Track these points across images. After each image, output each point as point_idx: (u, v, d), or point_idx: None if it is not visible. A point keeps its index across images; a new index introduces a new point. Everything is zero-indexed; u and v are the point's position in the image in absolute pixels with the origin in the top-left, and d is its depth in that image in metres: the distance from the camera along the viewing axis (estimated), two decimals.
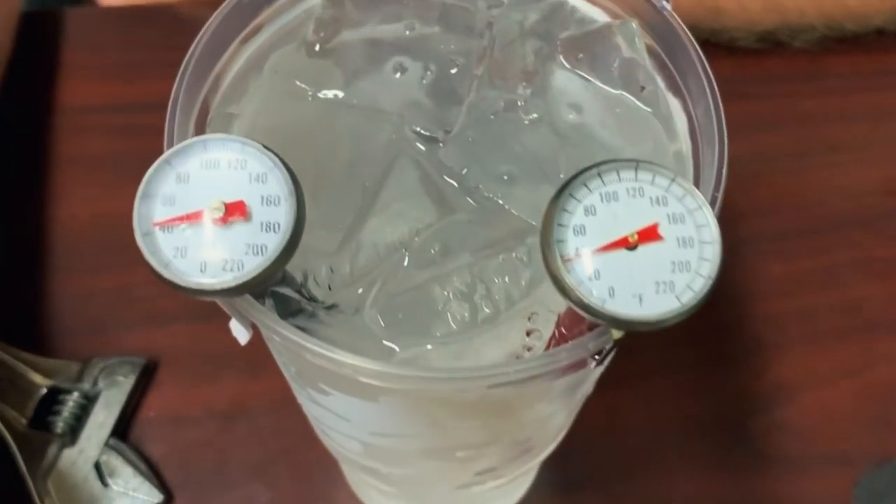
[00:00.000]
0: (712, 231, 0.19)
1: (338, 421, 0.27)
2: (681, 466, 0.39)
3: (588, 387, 0.28)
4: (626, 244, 0.19)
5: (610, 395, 0.36)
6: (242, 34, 0.26)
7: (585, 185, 0.19)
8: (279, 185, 0.20)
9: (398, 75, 0.26)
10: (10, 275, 0.43)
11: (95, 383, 0.40)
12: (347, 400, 0.25)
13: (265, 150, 0.20)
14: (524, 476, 0.36)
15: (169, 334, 0.41)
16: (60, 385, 0.39)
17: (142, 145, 0.47)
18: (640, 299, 0.19)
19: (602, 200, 0.19)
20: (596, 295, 0.19)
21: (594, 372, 0.26)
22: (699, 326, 0.42)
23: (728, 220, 0.46)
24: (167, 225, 0.20)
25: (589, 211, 0.19)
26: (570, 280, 0.19)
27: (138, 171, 0.45)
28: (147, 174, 0.21)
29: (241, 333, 0.26)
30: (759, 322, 0.42)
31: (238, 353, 0.41)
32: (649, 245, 0.19)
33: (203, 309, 0.41)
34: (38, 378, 0.39)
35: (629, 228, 0.19)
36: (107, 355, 0.40)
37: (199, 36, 0.25)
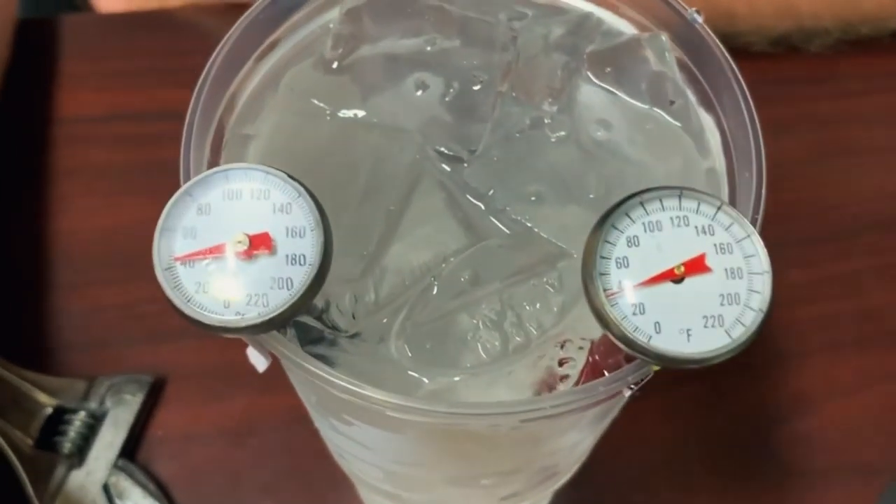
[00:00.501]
0: (762, 261, 0.18)
1: (360, 449, 0.26)
2: (702, 480, 0.38)
3: (616, 412, 0.27)
4: (671, 277, 0.18)
5: (629, 408, 0.35)
6: (258, 51, 0.25)
7: (628, 215, 0.19)
8: (304, 215, 0.19)
9: (419, 92, 0.25)
10: (11, 291, 0.42)
11: (102, 402, 0.39)
12: (372, 431, 0.24)
13: (290, 180, 0.20)
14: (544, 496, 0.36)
15: (176, 350, 0.41)
16: (66, 404, 0.38)
17: (143, 155, 0.46)
18: (688, 335, 0.18)
19: (645, 231, 0.18)
20: (642, 330, 0.18)
21: (626, 399, 0.26)
22: None
23: None
24: (188, 259, 0.19)
25: (632, 242, 0.18)
26: (614, 315, 0.18)
27: (140, 181, 0.44)
28: (167, 207, 0.20)
29: (259, 362, 0.25)
30: (780, 330, 0.41)
31: (248, 370, 0.40)
32: (696, 277, 0.18)
33: None
34: (43, 397, 0.38)
35: (675, 260, 0.18)
36: (113, 373, 0.39)
37: (213, 54, 0.24)
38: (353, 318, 0.23)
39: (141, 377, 0.39)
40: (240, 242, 0.19)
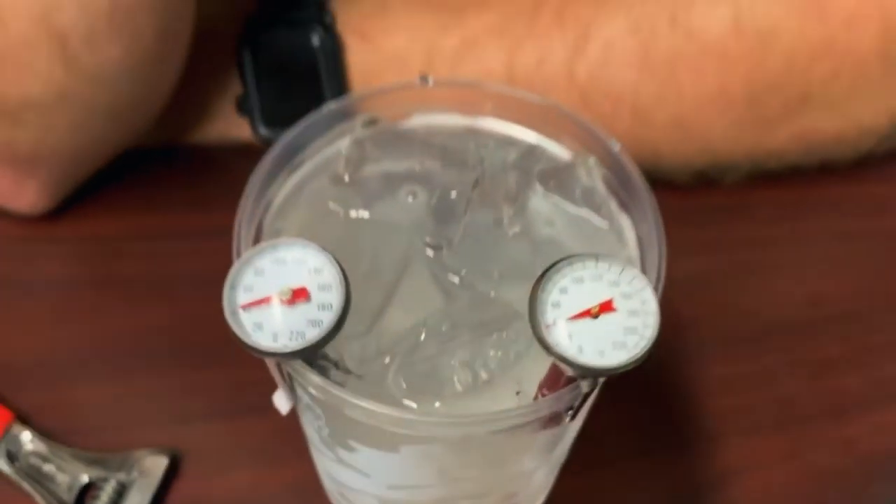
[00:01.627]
0: (653, 306, 0.26)
1: (359, 479, 0.33)
2: None
3: (564, 447, 0.34)
4: (589, 314, 0.26)
5: (575, 482, 0.42)
6: (288, 167, 0.34)
7: (560, 272, 0.27)
8: (332, 275, 0.27)
9: (410, 199, 0.34)
10: (52, 380, 0.49)
11: (130, 473, 0.45)
12: (371, 453, 0.31)
13: (321, 250, 0.28)
14: None
15: (193, 430, 0.47)
16: (99, 475, 0.45)
17: (165, 267, 0.54)
18: (602, 354, 0.26)
19: (572, 283, 0.27)
20: (570, 351, 0.26)
21: (569, 431, 0.33)
22: (654, 417, 0.48)
23: (675, 328, 0.53)
24: (248, 307, 0.27)
25: (563, 291, 0.26)
26: (550, 340, 0.26)
27: (164, 289, 0.52)
28: (232, 270, 0.27)
29: (283, 405, 0.32)
30: (706, 416, 0.49)
31: (257, 446, 0.47)
32: (607, 315, 0.26)
33: (224, 407, 0.47)
34: (80, 469, 0.45)
35: (592, 303, 0.26)
36: (135, 448, 0.46)
37: (256, 169, 0.33)
38: (361, 363, 0.30)
39: (162, 450, 0.46)
40: (284, 294, 0.27)
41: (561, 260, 0.27)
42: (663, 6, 0.50)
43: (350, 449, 0.32)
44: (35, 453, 0.45)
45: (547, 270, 0.27)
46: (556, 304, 0.26)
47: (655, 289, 0.28)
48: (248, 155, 0.35)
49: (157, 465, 0.46)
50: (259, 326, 0.27)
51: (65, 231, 0.54)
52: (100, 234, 0.55)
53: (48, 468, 0.45)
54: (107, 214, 0.55)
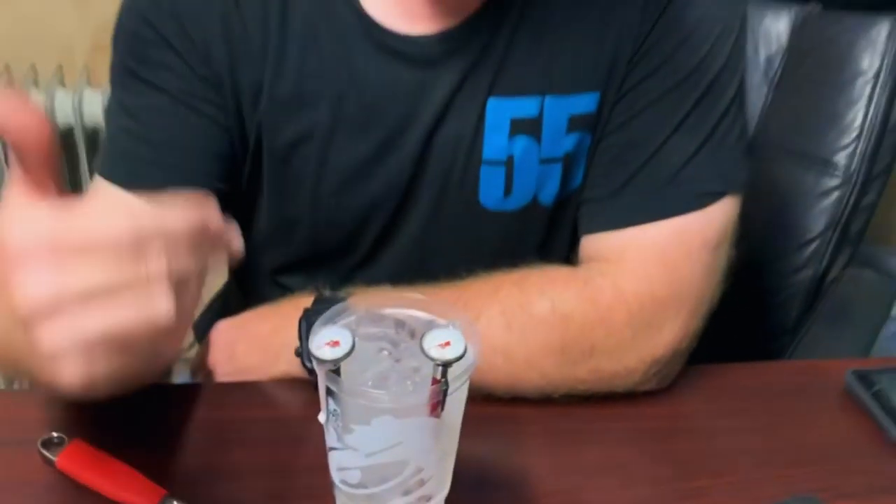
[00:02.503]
0: (462, 342, 0.71)
1: (351, 456, 0.74)
2: None
3: (450, 439, 0.75)
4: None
5: None
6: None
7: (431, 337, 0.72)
8: (345, 339, 0.72)
9: (384, 353, 0.79)
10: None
11: None
12: (359, 429, 0.73)
13: (346, 328, 0.73)
14: None
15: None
16: None
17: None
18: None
19: (441, 336, 0.72)
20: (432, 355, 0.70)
21: (448, 422, 0.74)
22: None
23: None
24: (319, 347, 0.72)
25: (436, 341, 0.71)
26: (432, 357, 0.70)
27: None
28: (310, 333, 0.72)
29: (322, 417, 0.75)
30: None
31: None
32: (447, 347, 0.71)
33: None
34: None
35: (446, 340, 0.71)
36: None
37: (304, 328, 0.78)
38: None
39: None
40: (329, 343, 0.72)
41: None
42: (516, 300, 0.98)
43: (350, 431, 0.74)
44: None
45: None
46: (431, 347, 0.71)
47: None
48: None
49: None
50: (320, 353, 0.71)
51: None
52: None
53: None
54: None
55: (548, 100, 0.99)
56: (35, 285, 0.53)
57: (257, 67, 0.98)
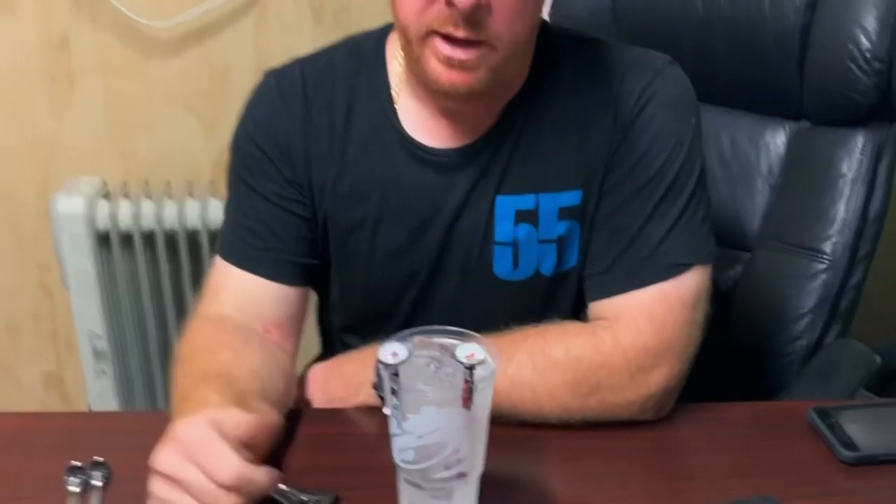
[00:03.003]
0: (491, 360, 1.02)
1: (407, 439, 1.04)
2: None
3: (480, 427, 1.05)
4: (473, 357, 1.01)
5: None
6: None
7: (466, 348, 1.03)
8: (405, 350, 1.03)
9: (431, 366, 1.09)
10: None
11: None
12: (413, 417, 1.03)
13: (407, 346, 1.04)
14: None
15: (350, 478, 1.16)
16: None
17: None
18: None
19: (473, 351, 1.02)
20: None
21: (477, 414, 1.04)
22: None
23: None
24: (385, 357, 1.03)
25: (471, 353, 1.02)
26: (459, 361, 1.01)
27: None
28: (383, 348, 1.04)
29: (387, 410, 1.06)
30: None
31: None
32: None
33: None
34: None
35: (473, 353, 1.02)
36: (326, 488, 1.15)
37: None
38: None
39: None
40: (392, 353, 1.03)
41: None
42: (539, 347, 1.28)
43: (406, 419, 1.04)
44: None
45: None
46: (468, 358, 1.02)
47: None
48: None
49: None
50: (384, 366, 1.02)
51: None
52: None
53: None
54: None
55: (541, 196, 1.30)
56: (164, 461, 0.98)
57: (325, 169, 1.32)
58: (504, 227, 1.31)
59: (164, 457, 0.99)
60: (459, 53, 1.13)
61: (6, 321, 2.65)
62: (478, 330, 1.28)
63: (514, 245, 1.32)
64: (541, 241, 1.32)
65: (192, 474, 0.96)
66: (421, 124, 1.30)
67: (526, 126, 1.29)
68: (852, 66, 1.53)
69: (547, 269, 1.34)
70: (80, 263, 2.32)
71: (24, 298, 2.61)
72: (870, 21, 1.52)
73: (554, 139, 1.29)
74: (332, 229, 1.35)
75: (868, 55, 1.52)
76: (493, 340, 1.26)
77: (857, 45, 1.52)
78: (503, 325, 1.22)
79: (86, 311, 2.37)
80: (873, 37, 1.51)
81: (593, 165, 1.28)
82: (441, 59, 1.14)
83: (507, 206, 1.30)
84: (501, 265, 1.34)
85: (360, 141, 1.32)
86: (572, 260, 1.34)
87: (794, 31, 1.58)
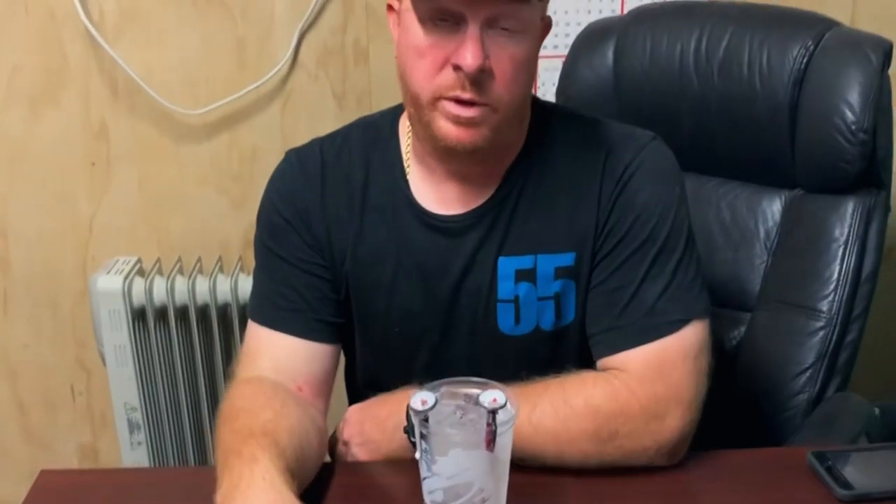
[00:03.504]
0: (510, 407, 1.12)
1: (436, 480, 1.14)
2: None
3: (502, 467, 1.15)
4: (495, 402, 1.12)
5: None
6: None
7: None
8: (432, 398, 1.14)
9: (458, 415, 1.20)
10: None
11: None
12: (441, 460, 1.14)
13: (431, 393, 1.15)
14: None
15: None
16: None
17: None
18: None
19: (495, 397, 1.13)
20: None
21: (500, 456, 1.14)
22: None
23: None
24: (415, 405, 1.14)
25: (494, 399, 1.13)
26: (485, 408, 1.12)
27: None
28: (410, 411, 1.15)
29: (417, 454, 1.17)
30: None
31: None
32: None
33: None
34: None
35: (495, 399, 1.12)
36: None
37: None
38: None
39: None
40: (421, 401, 1.14)
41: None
42: (560, 396, 1.38)
43: (434, 462, 1.14)
44: None
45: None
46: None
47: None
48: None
49: None
50: (416, 412, 1.13)
51: None
52: None
53: None
54: None
55: (539, 257, 1.42)
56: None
57: (344, 235, 1.45)
58: (506, 286, 1.43)
59: None
60: (466, 112, 1.27)
61: (44, 396, 2.76)
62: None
63: (516, 302, 1.43)
64: (540, 299, 1.43)
65: None
66: (430, 192, 1.43)
67: (524, 191, 1.42)
68: (839, 137, 1.65)
69: (546, 324, 1.45)
70: (118, 338, 2.44)
71: (61, 374, 2.73)
72: (853, 96, 1.64)
73: (549, 204, 1.41)
74: (353, 290, 1.47)
75: (853, 127, 1.64)
76: (515, 390, 1.38)
77: (843, 118, 1.65)
78: (512, 376, 1.32)
79: (122, 384, 2.47)
80: (857, 110, 1.64)
81: (584, 231, 1.41)
82: (450, 118, 1.28)
83: (508, 266, 1.42)
84: (505, 321, 1.45)
85: (376, 208, 1.45)
86: (570, 315, 1.45)
87: (784, 107, 1.71)
